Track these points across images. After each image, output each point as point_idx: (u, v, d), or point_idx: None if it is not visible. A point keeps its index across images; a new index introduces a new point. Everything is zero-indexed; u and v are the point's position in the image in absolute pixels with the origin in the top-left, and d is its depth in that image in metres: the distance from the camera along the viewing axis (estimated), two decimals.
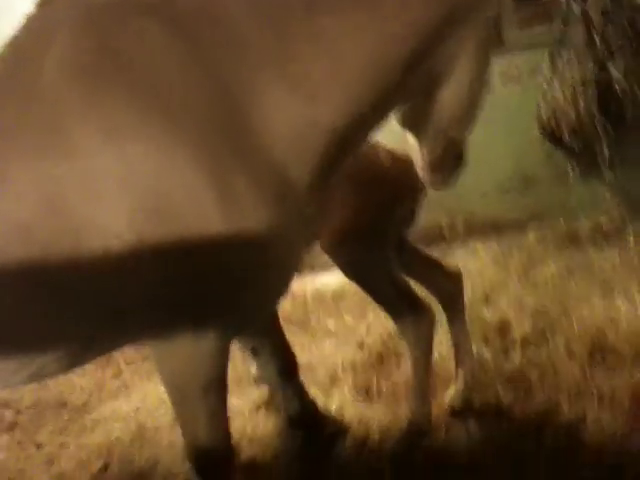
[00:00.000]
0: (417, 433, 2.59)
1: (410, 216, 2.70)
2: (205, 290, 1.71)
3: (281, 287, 1.91)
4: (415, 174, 2.13)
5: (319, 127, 1.72)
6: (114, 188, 1.59)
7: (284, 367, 2.65)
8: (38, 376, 1.92)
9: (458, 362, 2.78)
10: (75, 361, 1.94)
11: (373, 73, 1.73)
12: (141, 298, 1.70)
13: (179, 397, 1.87)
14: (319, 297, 4.28)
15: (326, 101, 1.71)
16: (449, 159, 2.07)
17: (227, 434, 1.94)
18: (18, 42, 1.79)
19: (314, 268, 4.37)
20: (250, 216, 1.65)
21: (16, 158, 1.62)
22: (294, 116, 1.69)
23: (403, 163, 2.37)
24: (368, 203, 2.44)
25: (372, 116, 1.84)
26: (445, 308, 2.82)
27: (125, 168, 1.59)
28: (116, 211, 1.59)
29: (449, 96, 1.89)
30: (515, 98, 4.77)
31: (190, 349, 1.78)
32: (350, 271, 2.56)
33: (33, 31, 1.78)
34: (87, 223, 1.60)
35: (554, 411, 2.61)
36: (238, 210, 1.64)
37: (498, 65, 4.69)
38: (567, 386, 2.75)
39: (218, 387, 1.86)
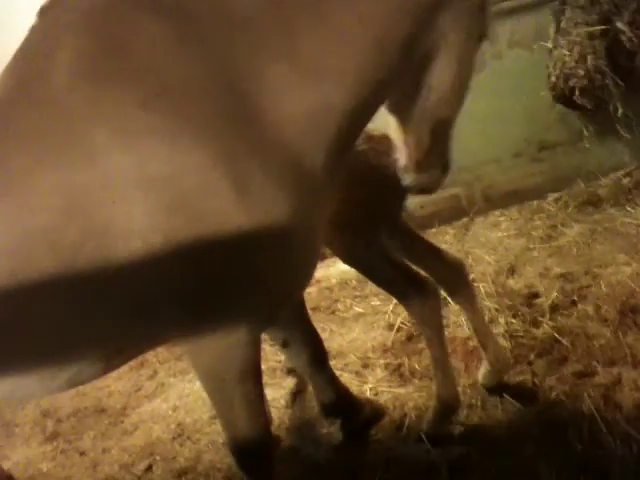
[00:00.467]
0: (446, 409, 2.59)
1: (402, 201, 2.67)
2: (232, 283, 1.73)
3: (306, 272, 1.93)
4: None
5: (332, 110, 1.74)
6: (133, 189, 1.61)
7: (314, 357, 2.66)
8: (76, 381, 1.95)
9: (482, 346, 2.76)
10: (110, 364, 1.97)
11: (378, 55, 1.75)
12: (170, 296, 1.73)
13: (216, 390, 1.90)
14: (344, 282, 4.28)
15: (337, 84, 1.73)
16: (434, 156, 2.04)
17: (266, 423, 1.99)
18: (25, 52, 1.80)
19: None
20: (269, 205, 1.67)
21: (36, 166, 1.64)
22: (307, 102, 1.71)
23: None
24: (360, 194, 2.40)
25: (376, 98, 1.86)
26: (451, 296, 2.78)
27: (141, 169, 1.61)
28: (137, 212, 1.61)
29: (438, 76, 1.89)
30: (523, 62, 4.68)
31: (222, 342, 1.81)
32: (348, 259, 2.57)
33: (38, 39, 1.79)
34: (110, 226, 1.62)
35: (589, 376, 2.60)
36: (257, 201, 1.66)
37: (503, 30, 4.62)
38: (600, 350, 2.74)
39: (253, 377, 1.89)
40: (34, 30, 1.82)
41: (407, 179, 2.07)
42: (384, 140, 2.23)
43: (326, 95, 1.72)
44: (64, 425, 3.65)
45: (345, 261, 2.59)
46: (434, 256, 2.70)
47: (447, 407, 2.60)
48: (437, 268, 2.67)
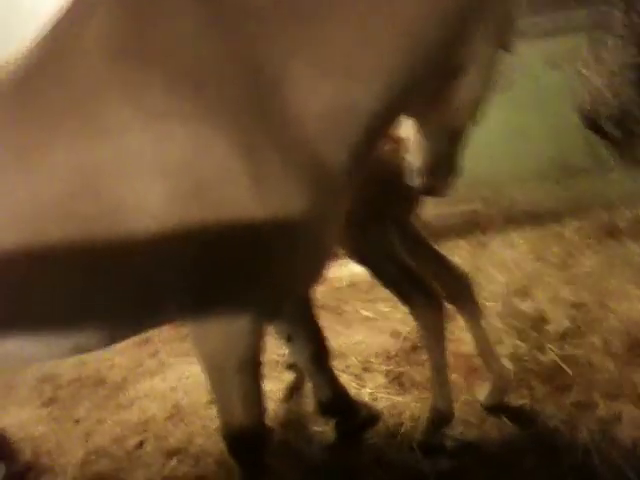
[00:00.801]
0: (440, 420, 2.59)
1: (411, 203, 2.65)
2: (237, 272, 1.74)
3: (314, 270, 1.94)
4: None
5: (357, 111, 1.73)
6: (149, 169, 1.62)
7: (317, 354, 2.67)
8: (79, 349, 1.99)
9: (485, 364, 2.76)
10: (113, 338, 2.00)
11: (408, 61, 1.74)
12: (176, 278, 1.74)
13: (215, 376, 1.92)
14: (354, 284, 4.28)
15: (364, 86, 1.72)
16: (447, 161, 2.04)
17: (261, 415, 1.99)
18: (58, 26, 1.82)
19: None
20: (284, 200, 1.68)
21: (56, 138, 1.66)
22: (331, 100, 1.70)
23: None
24: (369, 192, 2.34)
25: (401, 103, 1.84)
26: (455, 307, 2.74)
27: (161, 151, 1.62)
28: (152, 192, 1.63)
29: (465, 87, 1.87)
30: (555, 83, 4.67)
31: (225, 329, 1.83)
32: (355, 257, 2.57)
33: (72, 15, 1.81)
34: (124, 203, 1.64)
35: (589, 408, 2.58)
36: (273, 194, 1.66)
37: (538, 49, 4.59)
38: (604, 383, 2.73)
39: (252, 368, 1.91)
40: (67, 7, 1.83)
41: (417, 181, 2.07)
42: (396, 140, 2.24)
43: (352, 95, 1.71)
44: (62, 392, 3.68)
45: (352, 258, 2.59)
46: (441, 264, 2.70)
47: (441, 417, 2.60)
48: (443, 277, 2.67)
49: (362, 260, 2.57)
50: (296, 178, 1.68)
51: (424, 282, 2.56)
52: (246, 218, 1.66)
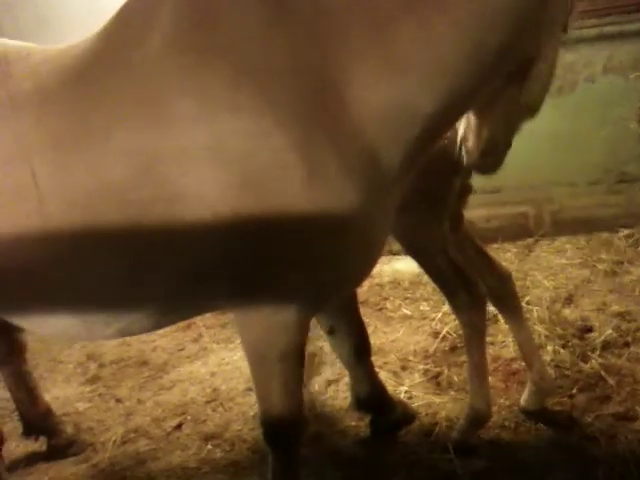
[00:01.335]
0: (477, 419, 2.58)
1: (465, 191, 2.63)
2: (284, 265, 1.78)
3: (361, 268, 1.96)
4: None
5: (415, 112, 1.73)
6: (209, 159, 1.67)
7: (358, 348, 2.68)
8: (126, 332, 2.07)
9: (527, 364, 2.73)
10: (159, 322, 2.07)
11: (471, 63, 1.70)
12: (225, 266, 1.79)
13: (257, 363, 1.96)
14: (397, 282, 4.28)
15: (424, 86, 1.70)
16: (502, 144, 2.02)
17: (299, 404, 2.03)
18: (122, 17, 1.88)
19: (393, 253, 4.37)
20: (337, 195, 1.70)
21: (120, 124, 1.73)
22: (391, 98, 1.70)
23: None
24: (428, 171, 2.24)
25: (463, 104, 1.83)
26: (496, 305, 2.73)
27: (221, 143, 1.66)
28: (210, 181, 1.67)
29: (530, 84, 1.84)
30: (615, 89, 4.54)
31: (270, 320, 1.87)
32: (407, 243, 2.54)
33: (137, 6, 1.86)
34: (181, 192, 1.69)
35: (629, 420, 2.54)
36: (326, 189, 1.69)
37: (600, 55, 4.50)
38: None
39: (294, 359, 1.95)
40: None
41: (470, 160, 2.05)
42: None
43: (412, 95, 1.71)
44: (105, 370, 3.79)
45: (407, 251, 2.58)
46: (486, 263, 2.69)
47: (478, 417, 2.59)
48: (487, 276, 2.66)
49: (416, 253, 2.56)
50: (350, 175, 1.70)
51: (470, 280, 2.56)
52: (297, 212, 1.69)
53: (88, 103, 1.78)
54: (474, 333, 2.57)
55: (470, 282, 2.56)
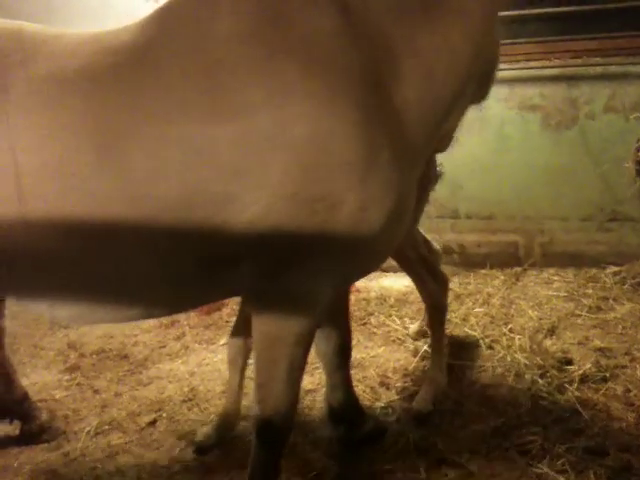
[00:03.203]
0: (433, 388, 2.99)
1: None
2: (326, 245, 1.84)
3: (383, 256, 2.13)
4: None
5: (440, 103, 1.96)
6: (274, 146, 1.73)
7: (341, 348, 2.69)
8: (146, 315, 2.13)
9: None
10: (179, 307, 2.18)
11: (473, 60, 1.97)
12: (264, 248, 1.83)
13: (268, 345, 1.99)
14: (383, 299, 4.30)
15: (446, 81, 1.93)
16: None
17: (296, 396, 2.08)
18: (180, 8, 1.91)
19: (382, 269, 4.40)
20: (386, 185, 1.83)
21: (179, 111, 1.75)
22: (424, 94, 1.90)
23: None
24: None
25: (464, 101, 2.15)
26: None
27: (286, 130, 1.72)
28: (271, 168, 1.73)
29: None
30: (614, 129, 4.58)
31: (295, 300, 1.93)
32: None
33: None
34: (239, 174, 1.73)
35: (600, 456, 2.55)
36: (378, 176, 1.80)
37: (602, 93, 4.54)
38: (618, 433, 2.69)
39: (305, 345, 2.00)
40: None
41: None
42: None
43: (439, 91, 1.93)
44: (86, 361, 3.79)
45: None
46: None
47: (436, 385, 3.01)
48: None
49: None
50: (397, 167, 1.84)
51: (435, 269, 3.13)
52: (349, 198, 1.78)
53: (145, 89, 1.78)
54: (438, 313, 3.14)
55: (435, 271, 3.12)
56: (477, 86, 2.19)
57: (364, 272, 2.22)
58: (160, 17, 1.92)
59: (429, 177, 2.94)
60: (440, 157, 3.01)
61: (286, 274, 1.87)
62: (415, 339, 3.69)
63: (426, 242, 3.23)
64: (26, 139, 1.75)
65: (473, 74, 2.04)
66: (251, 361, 2.74)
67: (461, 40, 1.92)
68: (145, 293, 1.99)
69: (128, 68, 1.81)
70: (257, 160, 1.72)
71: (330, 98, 1.75)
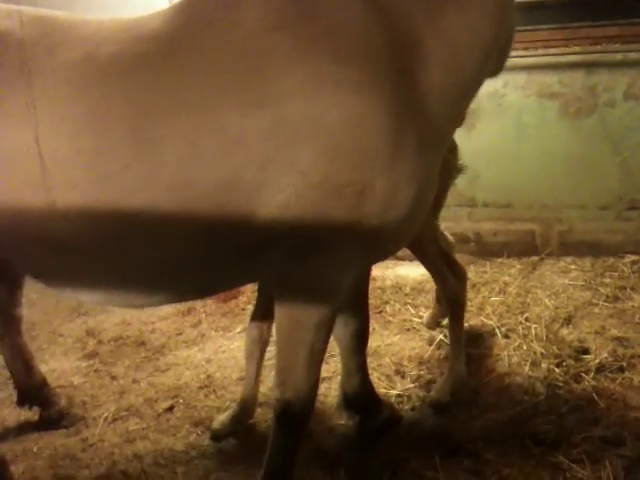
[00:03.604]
0: (453, 379, 2.99)
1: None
2: (353, 230, 1.85)
3: (405, 240, 2.17)
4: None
5: (463, 83, 1.98)
6: (305, 130, 1.74)
7: (359, 333, 2.69)
8: (172, 300, 2.19)
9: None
10: (201, 293, 2.24)
11: (495, 38, 1.99)
12: (293, 233, 1.84)
13: (290, 328, 2.01)
14: (399, 287, 4.29)
15: (468, 61, 1.95)
16: None
17: (316, 381, 2.10)
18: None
19: (397, 258, 4.39)
20: (412, 174, 1.85)
21: (213, 98, 1.76)
22: (448, 78, 1.91)
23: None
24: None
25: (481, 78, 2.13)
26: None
27: (319, 117, 1.74)
28: (303, 154, 1.75)
29: None
30: (635, 116, 4.53)
31: (314, 288, 1.95)
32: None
33: None
34: (272, 160, 1.75)
35: (616, 445, 2.55)
36: (405, 167, 1.83)
37: (622, 80, 4.49)
38: (634, 422, 2.68)
39: (326, 328, 2.02)
40: None
41: None
42: None
43: (460, 75, 1.94)
44: (104, 347, 3.83)
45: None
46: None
47: (456, 377, 2.99)
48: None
49: (411, 241, 2.73)
50: (422, 153, 1.87)
51: (455, 263, 3.13)
52: (376, 182, 1.80)
53: (178, 78, 1.80)
54: (457, 308, 3.09)
55: (455, 265, 3.11)
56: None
57: (384, 256, 2.25)
58: (190, 4, 1.93)
59: (449, 171, 2.94)
60: (458, 144, 2.99)
61: (313, 259, 1.88)
62: (430, 328, 3.68)
63: (440, 234, 3.22)
64: (58, 127, 1.77)
65: (493, 53, 2.04)
66: (269, 349, 2.76)
67: (483, 19, 1.93)
68: (175, 278, 2.01)
69: (161, 56, 1.83)
70: (288, 147, 1.74)
71: (359, 86, 1.77)
